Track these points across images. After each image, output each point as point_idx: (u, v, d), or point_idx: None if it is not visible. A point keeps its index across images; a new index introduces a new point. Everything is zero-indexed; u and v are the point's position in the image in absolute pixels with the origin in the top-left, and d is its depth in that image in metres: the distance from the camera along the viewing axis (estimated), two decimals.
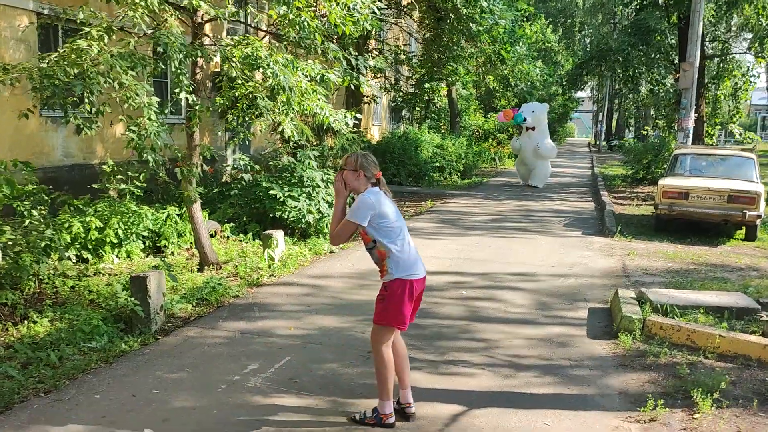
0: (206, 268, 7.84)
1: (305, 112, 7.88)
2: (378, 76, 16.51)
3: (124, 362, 4.96)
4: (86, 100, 5.71)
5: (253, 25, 9.45)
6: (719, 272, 8.53)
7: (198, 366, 4.91)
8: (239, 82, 7.34)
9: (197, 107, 7.10)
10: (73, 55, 5.71)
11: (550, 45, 44.71)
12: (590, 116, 66.28)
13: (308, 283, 7.45)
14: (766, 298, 6.84)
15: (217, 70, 7.32)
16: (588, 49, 24.63)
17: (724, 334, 5.55)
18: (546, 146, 18.77)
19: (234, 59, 7.06)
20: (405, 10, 16.36)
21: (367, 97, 14.98)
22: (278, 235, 8.40)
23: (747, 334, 5.60)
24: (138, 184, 9.40)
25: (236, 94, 7.52)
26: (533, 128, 18.60)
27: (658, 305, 6.33)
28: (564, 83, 26.60)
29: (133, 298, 5.82)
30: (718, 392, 4.55)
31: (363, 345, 5.37)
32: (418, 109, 25.08)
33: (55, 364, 4.88)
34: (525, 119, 18.55)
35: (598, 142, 50.00)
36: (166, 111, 6.42)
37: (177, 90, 6.50)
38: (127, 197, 9.38)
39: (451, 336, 5.81)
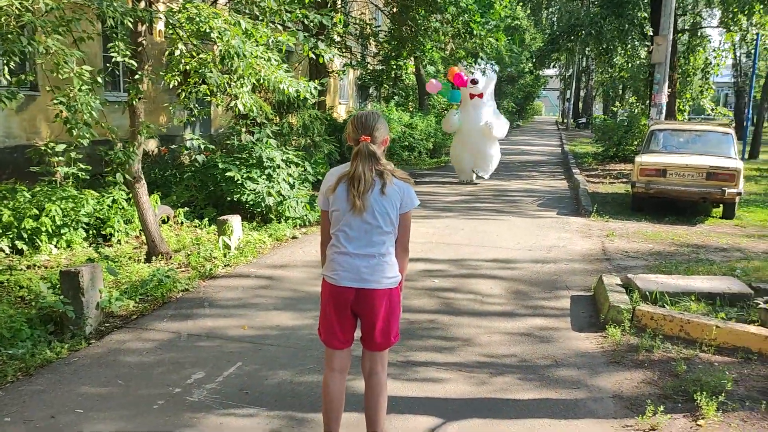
0: (154, 258, 7.13)
1: (261, 84, 7.18)
2: (344, 52, 15.72)
3: (46, 374, 4.27)
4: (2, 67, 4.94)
5: None
6: (703, 253, 8.11)
7: (133, 377, 4.24)
8: (187, 54, 6.62)
9: (137, 77, 6.35)
10: None
11: (519, 23, 44.17)
12: (557, 94, 66.12)
13: (266, 274, 6.80)
14: (758, 282, 6.42)
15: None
16: (556, 26, 24.14)
17: (721, 324, 5.07)
18: (498, 122, 14.29)
19: (179, 25, 6.31)
20: None
21: (333, 72, 14.24)
22: (234, 220, 7.71)
23: (746, 324, 5.13)
24: (82, 166, 8.62)
25: (186, 68, 6.81)
26: (481, 95, 13.88)
27: (647, 293, 5.83)
28: (533, 61, 26.10)
29: (63, 297, 5.12)
30: (723, 394, 4.06)
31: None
32: (385, 86, 24.33)
33: None
34: (473, 81, 13.56)
35: (565, 120, 49.93)
36: (99, 82, 5.63)
37: (114, 55, 5.73)
38: (70, 181, 8.61)
39: (422, 333, 5.24)
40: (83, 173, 8.67)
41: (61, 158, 8.58)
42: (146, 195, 7.23)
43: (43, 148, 8.28)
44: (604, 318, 5.51)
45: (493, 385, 4.32)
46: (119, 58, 5.72)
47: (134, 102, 6.85)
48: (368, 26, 18.18)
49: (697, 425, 3.83)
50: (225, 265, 7.06)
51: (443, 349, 4.91)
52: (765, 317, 5.25)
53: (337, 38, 16.15)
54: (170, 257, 7.21)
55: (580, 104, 54.36)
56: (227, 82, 6.98)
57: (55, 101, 5.16)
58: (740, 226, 10.19)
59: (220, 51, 6.21)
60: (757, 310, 5.42)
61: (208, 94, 7.59)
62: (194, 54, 6.69)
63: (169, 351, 4.70)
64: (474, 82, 13.59)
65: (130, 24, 5.84)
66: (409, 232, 3.26)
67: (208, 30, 5.97)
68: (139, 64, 6.91)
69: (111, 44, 5.68)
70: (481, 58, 12.27)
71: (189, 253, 7.36)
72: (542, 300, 6.20)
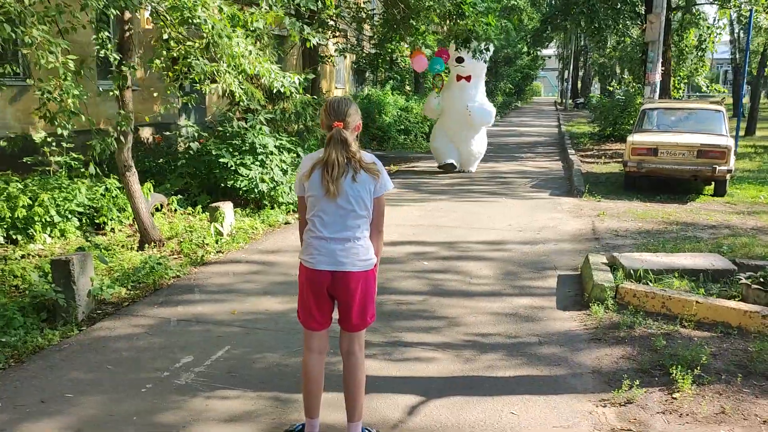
0: (147, 245, 7.22)
1: (247, 72, 7.22)
2: (337, 35, 15.67)
3: (38, 360, 4.37)
4: None
5: None
6: (691, 231, 8.18)
7: (123, 362, 4.34)
8: (172, 42, 6.66)
9: (123, 67, 6.40)
10: None
11: (516, 2, 43.86)
12: (556, 74, 65.86)
13: (258, 260, 6.88)
14: (742, 258, 6.50)
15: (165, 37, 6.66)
16: (553, 4, 24.02)
17: (701, 300, 5.16)
18: (482, 108, 12.98)
19: (163, 13, 6.35)
20: None
21: (326, 57, 14.25)
22: (226, 207, 7.78)
23: (726, 300, 5.22)
24: (75, 156, 8.67)
25: (172, 55, 6.85)
26: (468, 78, 12.89)
27: (631, 271, 5.91)
28: (529, 40, 25.97)
29: (54, 285, 5.22)
30: (698, 368, 4.15)
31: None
32: (381, 70, 24.28)
33: None
34: (459, 61, 12.70)
35: (564, 101, 49.81)
36: (84, 71, 5.66)
37: (97, 47, 5.77)
38: (64, 170, 8.66)
39: (409, 315, 5.32)
40: (76, 163, 8.72)
41: (54, 148, 8.63)
42: (137, 184, 7.29)
43: (38, 140, 8.30)
44: (588, 296, 5.60)
45: (477, 364, 4.41)
46: (102, 52, 5.74)
47: (122, 90, 6.90)
48: (362, 10, 18.15)
49: (673, 398, 3.92)
50: (217, 252, 7.15)
51: (430, 330, 5.00)
52: (746, 292, 5.34)
53: (330, 22, 16.16)
54: (162, 245, 7.29)
55: (579, 84, 54.21)
56: (215, 70, 7.03)
57: (38, 91, 5.20)
58: (731, 203, 10.25)
59: (205, 39, 6.24)
60: (738, 285, 5.50)
61: (197, 81, 7.63)
62: (180, 41, 6.72)
63: (158, 336, 4.79)
64: (459, 60, 12.71)
65: (113, 14, 5.86)
66: (383, 215, 3.30)
67: (189, 17, 5.99)
68: (126, 53, 6.97)
69: (95, 36, 5.70)
70: (473, 39, 12.06)
71: (181, 240, 7.44)
72: (530, 280, 6.28)
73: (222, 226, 7.54)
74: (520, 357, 4.53)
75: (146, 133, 13.39)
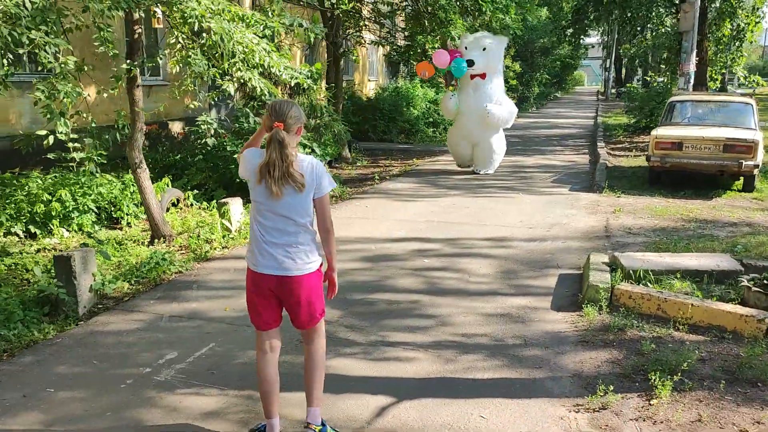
0: (156, 240, 7.39)
1: (262, 66, 7.33)
2: (360, 30, 15.61)
3: (28, 354, 4.53)
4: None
5: None
6: (709, 229, 7.97)
7: (110, 357, 4.47)
8: (181, 43, 6.80)
9: (129, 66, 6.54)
10: None
11: None
12: (599, 63, 64.49)
13: None
14: (753, 259, 6.31)
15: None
16: None
17: (697, 303, 5.04)
18: (502, 109, 12.02)
19: (169, 14, 6.47)
20: None
21: (347, 51, 14.28)
22: (234, 202, 7.90)
23: (723, 303, 5.08)
24: (96, 152, 8.90)
25: (182, 54, 6.99)
26: (483, 75, 11.97)
27: (631, 271, 5.80)
28: (563, 32, 25.48)
29: (56, 280, 5.40)
30: (679, 374, 4.06)
31: None
32: (412, 62, 24.18)
33: None
34: (470, 63, 11.69)
35: (606, 90, 48.78)
36: (85, 70, 5.80)
37: (97, 43, 5.90)
38: (86, 165, 8.89)
39: (399, 313, 5.34)
40: (99, 158, 8.95)
41: (76, 144, 8.87)
42: (148, 180, 7.46)
43: (62, 136, 8.55)
44: (583, 297, 5.51)
45: (456, 365, 4.40)
46: (101, 48, 5.87)
47: (132, 89, 7.07)
48: (390, 4, 18.09)
49: (649, 404, 3.85)
50: (223, 247, 7.27)
51: (417, 329, 5.01)
52: (746, 295, 5.20)
53: (366, 14, 16.15)
54: (172, 240, 7.45)
55: (623, 72, 52.98)
56: (229, 66, 7.14)
57: (36, 92, 5.35)
58: (758, 199, 9.94)
59: (208, 39, 6.34)
60: (739, 287, 5.35)
61: (217, 77, 7.75)
62: (186, 43, 6.85)
63: (148, 332, 4.92)
64: (470, 63, 11.74)
65: (117, 15, 5.99)
66: (327, 213, 3.31)
67: (193, 20, 6.09)
68: (135, 53, 7.12)
69: (96, 35, 5.83)
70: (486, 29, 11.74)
71: (190, 235, 7.58)
72: (529, 279, 6.22)
73: (230, 222, 7.65)
74: (501, 358, 4.50)
75: (176, 127, 13.66)
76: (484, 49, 11.90)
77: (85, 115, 5.93)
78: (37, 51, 5.19)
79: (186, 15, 6.19)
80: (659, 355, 4.41)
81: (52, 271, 5.65)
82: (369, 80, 25.74)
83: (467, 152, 12.57)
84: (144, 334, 4.87)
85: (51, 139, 5.68)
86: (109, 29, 5.91)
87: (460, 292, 5.85)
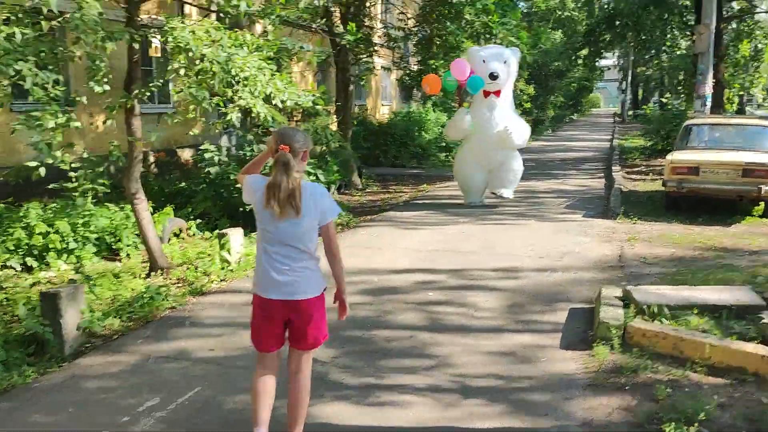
0: (153, 273, 7.19)
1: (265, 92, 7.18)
2: (373, 50, 15.45)
3: (5, 400, 4.30)
4: None
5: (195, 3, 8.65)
6: (728, 258, 7.61)
7: (87, 404, 4.22)
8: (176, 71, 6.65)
9: (123, 96, 6.41)
10: None
11: (570, 14, 42.98)
12: (616, 85, 64.08)
13: None
14: None
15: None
16: (606, 9, 23.17)
17: (716, 342, 4.71)
18: (520, 129, 11.00)
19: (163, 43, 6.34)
20: None
21: (355, 77, 14.14)
22: (235, 233, 7.68)
23: (743, 342, 4.74)
24: (88, 183, 8.75)
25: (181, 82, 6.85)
26: (498, 93, 10.83)
27: (645, 306, 5.47)
28: (575, 54, 25.23)
29: (42, 318, 5.19)
30: (696, 424, 3.73)
31: None
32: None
33: None
34: (493, 77, 10.54)
35: (623, 112, 48.36)
36: (77, 100, 5.68)
37: (89, 76, 5.77)
38: (89, 196, 8.75)
39: (398, 352, 5.05)
40: (103, 187, 8.81)
41: (78, 174, 8.75)
42: (146, 210, 7.28)
43: (65, 166, 8.47)
44: (594, 335, 5.20)
45: (455, 411, 4.11)
46: (93, 84, 5.74)
47: (130, 117, 6.94)
48: (402, 29, 18.02)
49: None
50: (221, 280, 7.04)
51: (415, 370, 4.72)
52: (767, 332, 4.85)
53: (377, 40, 16.06)
54: (169, 272, 7.24)
55: (640, 94, 52.59)
56: (231, 95, 7.01)
57: (21, 124, 5.21)
58: None
59: (203, 66, 6.18)
60: (760, 325, 5.00)
61: (221, 105, 7.60)
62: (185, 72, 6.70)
63: (132, 375, 4.67)
64: (493, 77, 10.58)
65: (109, 47, 5.86)
66: (333, 238, 3.43)
67: (186, 47, 5.95)
68: (133, 82, 6.98)
69: (88, 67, 5.70)
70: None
71: (188, 267, 7.38)
72: (537, 314, 5.92)
73: (230, 254, 7.43)
74: (505, 404, 4.20)
75: (186, 155, 13.57)
76: (505, 62, 10.83)
77: (77, 145, 5.77)
78: (22, 83, 5.04)
79: (180, 45, 6.04)
80: (675, 402, 4.08)
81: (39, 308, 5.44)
82: (382, 105, 25.67)
83: (480, 181, 11.45)
84: (127, 378, 4.62)
85: (42, 170, 5.49)
86: (102, 60, 5.78)
87: (464, 329, 5.56)
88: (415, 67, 22.09)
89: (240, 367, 4.78)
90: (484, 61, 10.78)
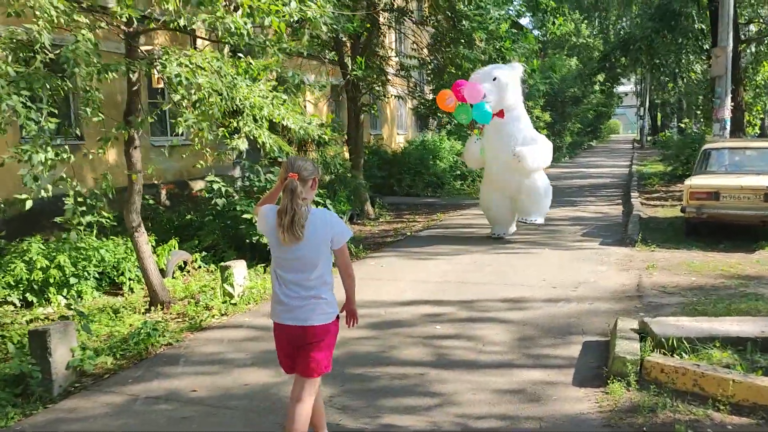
0: (153, 308, 7.00)
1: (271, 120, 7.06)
2: (385, 80, 15.34)
3: None
4: None
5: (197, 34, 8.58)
6: (752, 287, 7.25)
7: None
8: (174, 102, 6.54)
9: (119, 127, 6.30)
10: None
11: (585, 41, 42.94)
12: (634, 111, 63.69)
13: (261, 324, 6.44)
14: None
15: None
16: (621, 35, 22.91)
17: (739, 378, 4.38)
18: (534, 149, 10.06)
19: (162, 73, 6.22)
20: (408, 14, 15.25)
21: (367, 106, 14.00)
22: (238, 265, 7.48)
23: None
24: (105, 214, 8.65)
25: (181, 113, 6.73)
26: (501, 114, 10.02)
27: (663, 339, 5.15)
28: (589, 80, 25.01)
29: (31, 357, 5.00)
30: None
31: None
32: (439, 114, 23.97)
33: None
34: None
35: (642, 138, 47.90)
36: (70, 134, 5.57)
37: (82, 106, 5.66)
38: (94, 230, 8.63)
39: (400, 390, 4.77)
40: (108, 221, 8.69)
41: (82, 208, 8.64)
42: (147, 243, 7.13)
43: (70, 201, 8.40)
44: (609, 370, 4.88)
45: None
46: (89, 113, 5.64)
47: (130, 150, 6.83)
48: (416, 57, 17.97)
49: None
50: (222, 314, 6.82)
51: (418, 410, 4.44)
52: None
53: (390, 70, 15.98)
54: (170, 307, 7.05)
55: (658, 119, 52.14)
56: (237, 125, 6.91)
57: (7, 157, 5.09)
58: None
59: (199, 95, 6.06)
60: None
61: (227, 136, 7.47)
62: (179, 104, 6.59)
63: (119, 417, 4.44)
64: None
65: (106, 78, 5.77)
66: (347, 261, 3.58)
67: (177, 78, 5.83)
68: (133, 112, 6.88)
69: (82, 99, 5.60)
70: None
71: (189, 301, 7.18)
72: (549, 348, 5.61)
73: (232, 287, 7.22)
74: None
75: (198, 186, 13.47)
76: (494, 79, 9.85)
77: (69, 179, 5.65)
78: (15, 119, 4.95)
79: (169, 76, 5.92)
80: None
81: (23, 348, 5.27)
82: (398, 133, 25.56)
83: (505, 210, 10.72)
84: (112, 421, 4.38)
85: (29, 203, 5.36)
86: (96, 92, 5.69)
87: (471, 365, 5.26)
88: (430, 96, 22.09)
89: (232, 408, 4.54)
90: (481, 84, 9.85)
